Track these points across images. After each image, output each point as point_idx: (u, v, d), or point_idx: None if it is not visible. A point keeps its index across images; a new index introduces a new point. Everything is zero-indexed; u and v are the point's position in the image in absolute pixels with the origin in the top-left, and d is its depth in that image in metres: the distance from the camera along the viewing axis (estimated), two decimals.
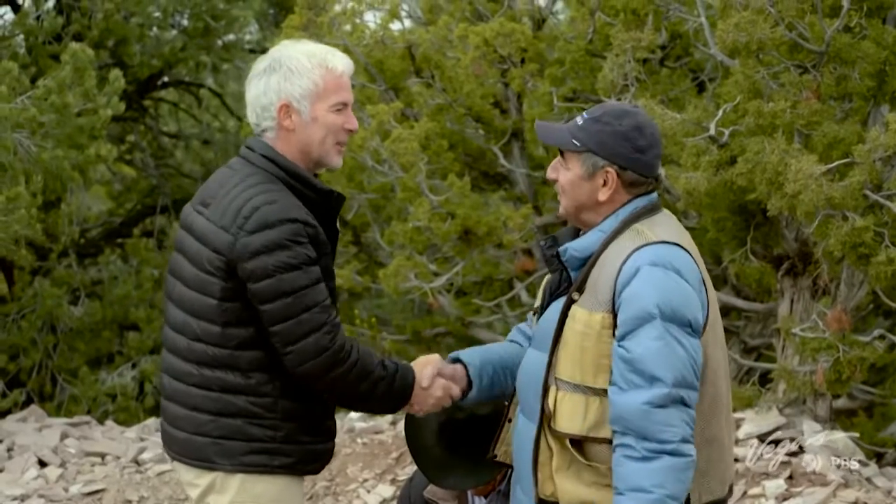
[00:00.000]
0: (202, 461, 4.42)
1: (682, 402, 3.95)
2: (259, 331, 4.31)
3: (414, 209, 11.28)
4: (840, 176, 8.04)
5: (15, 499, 9.25)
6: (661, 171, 4.29)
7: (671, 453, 3.93)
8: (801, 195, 7.86)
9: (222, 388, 4.35)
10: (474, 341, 14.11)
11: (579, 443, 4.11)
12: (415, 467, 5.21)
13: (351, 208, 13.44)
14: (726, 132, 8.63)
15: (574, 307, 4.11)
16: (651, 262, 4.01)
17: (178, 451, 4.50)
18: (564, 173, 4.22)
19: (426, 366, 4.56)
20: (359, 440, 9.53)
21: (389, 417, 10.20)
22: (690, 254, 4.11)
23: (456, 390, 4.56)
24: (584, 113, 4.25)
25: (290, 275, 4.21)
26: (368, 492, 8.91)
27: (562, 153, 4.24)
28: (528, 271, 12.52)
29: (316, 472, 4.57)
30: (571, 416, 4.09)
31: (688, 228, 6.70)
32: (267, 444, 4.37)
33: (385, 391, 4.40)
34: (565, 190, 4.22)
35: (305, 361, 4.25)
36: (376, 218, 13.57)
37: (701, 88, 11.67)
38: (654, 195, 4.27)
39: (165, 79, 18.58)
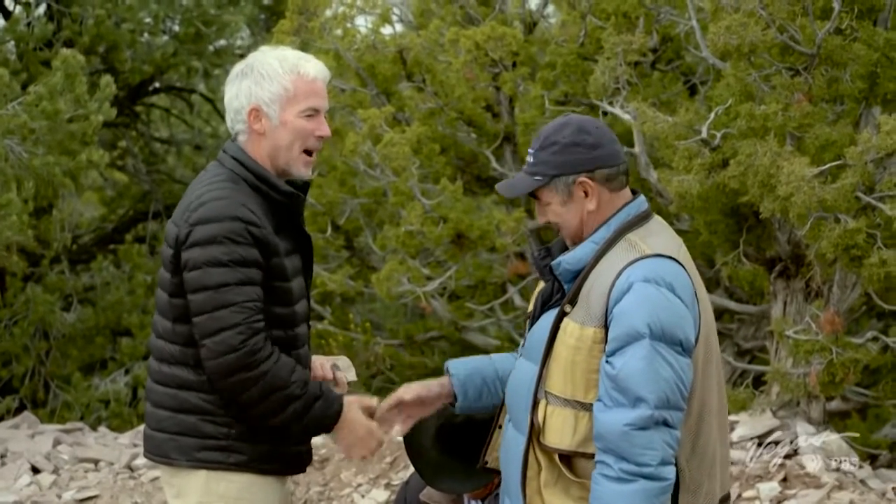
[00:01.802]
0: (161, 457, 4.49)
1: (665, 424, 3.92)
2: None
3: (406, 213, 11.28)
4: (832, 178, 8.05)
5: None
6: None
7: (648, 476, 3.90)
8: (793, 197, 7.87)
9: (178, 385, 4.41)
10: (467, 345, 14.12)
11: (568, 458, 4.08)
12: (410, 471, 5.21)
13: (343, 213, 13.43)
14: (718, 135, 8.64)
15: (566, 320, 4.07)
16: (644, 279, 3.97)
17: (146, 447, 4.58)
18: (549, 211, 4.20)
19: (357, 404, 4.51)
20: None
21: None
22: (685, 267, 4.07)
23: (380, 436, 4.54)
24: (529, 151, 4.22)
25: (217, 270, 4.25)
26: (363, 497, 8.90)
27: (535, 197, 4.22)
28: (521, 275, 12.51)
29: (278, 473, 4.57)
30: (561, 430, 4.06)
31: (680, 231, 6.71)
32: (220, 441, 4.40)
33: (298, 412, 4.34)
34: (561, 224, 4.19)
35: (212, 358, 4.25)
36: (368, 222, 13.56)
37: (693, 91, 11.68)
38: (643, 200, 4.23)
39: (157, 84, 18.55)
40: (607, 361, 3.97)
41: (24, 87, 12.57)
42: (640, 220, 4.16)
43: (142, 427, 11.21)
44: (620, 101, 9.68)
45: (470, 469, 4.88)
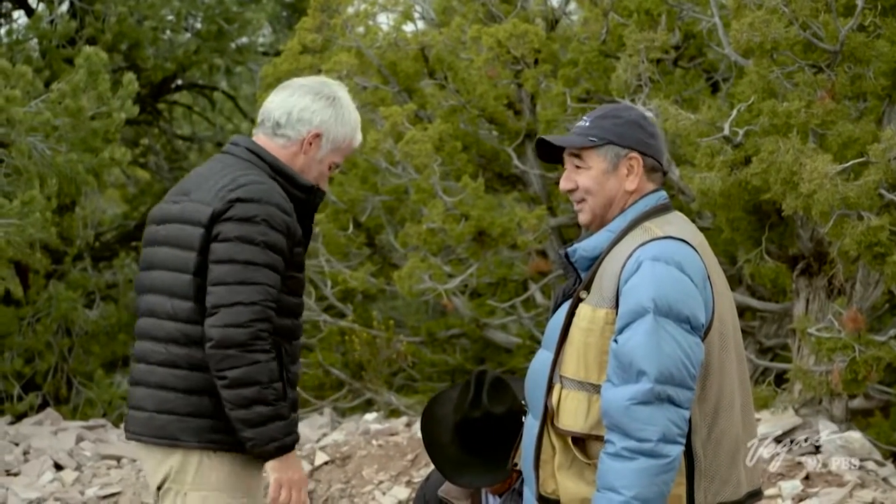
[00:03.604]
0: (165, 438, 4.49)
1: (670, 401, 3.91)
2: None
3: (428, 211, 11.28)
4: (855, 175, 8.03)
5: (31, 502, 9.27)
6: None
7: (648, 453, 3.89)
8: (815, 195, 7.84)
9: (191, 365, 4.43)
10: (489, 342, 14.12)
11: (582, 441, 4.08)
12: (431, 468, 5.22)
13: (365, 210, 13.45)
14: (741, 132, 8.62)
15: (581, 305, 4.10)
16: (653, 257, 3.99)
17: (140, 430, 4.57)
18: (585, 175, 4.18)
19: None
20: (374, 442, 9.53)
21: (404, 419, 10.19)
22: (697, 251, 4.08)
23: (306, 497, 4.53)
24: (584, 117, 4.25)
25: (248, 247, 4.33)
26: (384, 494, 8.90)
27: (576, 157, 4.20)
28: (543, 272, 12.51)
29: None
30: (574, 413, 4.07)
31: (702, 229, 6.69)
32: (230, 422, 4.42)
33: (258, 418, 4.33)
34: (591, 190, 4.17)
35: (219, 325, 4.28)
36: (390, 220, 13.58)
37: (715, 88, 11.66)
38: (664, 193, 4.24)
39: (179, 82, 18.60)
40: (614, 339, 3.99)
41: (48, 84, 12.62)
42: (659, 211, 4.18)
43: None
44: (643, 98, 9.67)
45: (489, 464, 4.90)
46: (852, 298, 9.00)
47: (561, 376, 4.11)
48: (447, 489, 5.19)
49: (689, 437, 4.02)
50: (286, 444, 4.38)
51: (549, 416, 4.12)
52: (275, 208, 4.37)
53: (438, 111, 12.02)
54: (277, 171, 4.52)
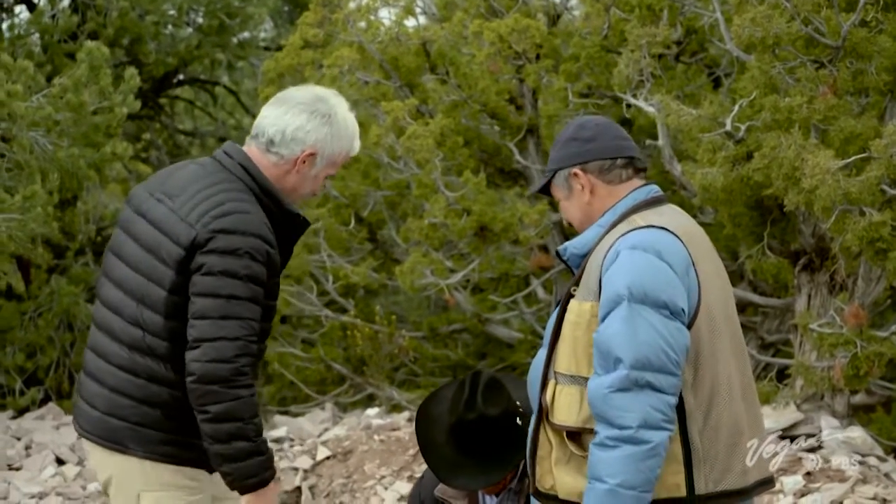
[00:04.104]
0: (114, 443, 4.50)
1: (650, 387, 3.93)
2: None
3: (429, 206, 11.27)
4: (857, 171, 8.02)
5: (33, 497, 9.28)
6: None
7: (629, 440, 3.91)
8: (817, 190, 7.84)
9: (150, 377, 4.43)
10: (490, 338, 14.12)
11: (577, 435, 4.11)
12: (426, 466, 5.23)
13: (366, 205, 13.45)
14: (742, 127, 8.62)
15: (571, 301, 4.15)
16: (631, 246, 4.05)
17: (90, 429, 4.57)
18: (561, 206, 4.37)
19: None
20: (375, 437, 9.53)
21: (406, 414, 10.20)
22: (682, 239, 4.11)
23: None
24: None
25: (232, 281, 4.30)
26: (386, 489, 8.91)
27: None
28: (545, 268, 12.50)
29: (212, 471, 4.60)
30: (568, 408, 4.10)
31: (704, 224, 6.68)
32: (180, 436, 4.46)
33: (238, 454, 4.32)
34: (568, 218, 4.36)
35: (201, 360, 4.26)
36: (392, 215, 13.57)
37: (717, 84, 11.65)
38: (654, 187, 4.30)
39: (181, 76, 18.57)
40: (596, 330, 4.03)
41: (49, 79, 12.61)
42: (649, 204, 4.23)
43: None
44: (644, 93, 9.66)
45: (483, 465, 4.91)
46: (854, 294, 8.99)
47: (555, 372, 4.16)
48: (443, 489, 5.19)
49: (685, 424, 4.05)
50: (265, 478, 4.37)
51: (544, 413, 4.16)
52: (259, 240, 4.35)
53: (440, 106, 12.01)
54: (266, 193, 4.50)
